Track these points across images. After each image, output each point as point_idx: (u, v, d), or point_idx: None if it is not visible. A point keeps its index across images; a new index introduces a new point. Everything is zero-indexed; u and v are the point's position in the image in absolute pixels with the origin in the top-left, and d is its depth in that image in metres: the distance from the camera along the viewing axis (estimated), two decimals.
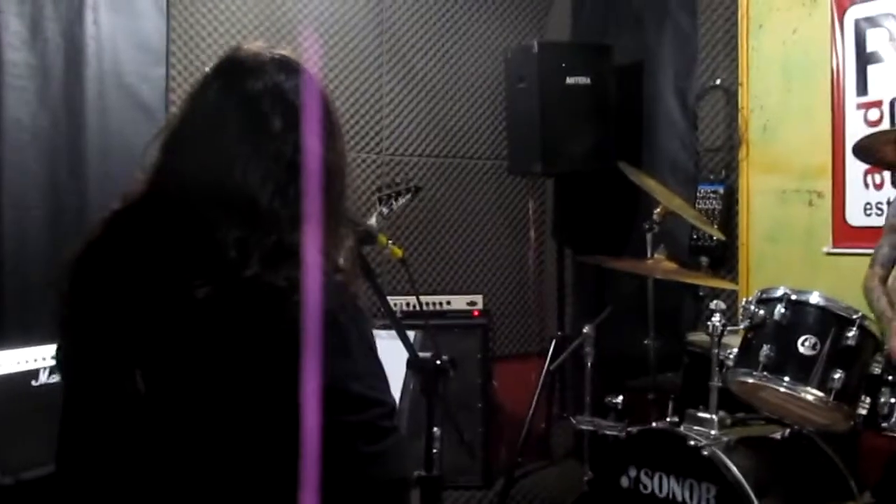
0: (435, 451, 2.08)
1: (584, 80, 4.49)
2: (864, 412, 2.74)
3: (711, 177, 4.41)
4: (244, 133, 1.35)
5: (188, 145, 1.37)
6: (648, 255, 3.59)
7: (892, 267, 3.41)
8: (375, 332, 2.63)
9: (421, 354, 2.00)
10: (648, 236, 3.64)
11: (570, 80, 4.47)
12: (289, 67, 1.41)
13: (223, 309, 1.27)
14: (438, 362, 1.97)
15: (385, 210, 3.10)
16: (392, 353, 2.11)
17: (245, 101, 1.37)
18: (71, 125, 3.80)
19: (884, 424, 2.75)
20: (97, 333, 1.33)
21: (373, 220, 3.01)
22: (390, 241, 2.05)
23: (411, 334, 2.14)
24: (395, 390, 2.33)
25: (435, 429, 2.06)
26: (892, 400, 2.73)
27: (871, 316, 2.86)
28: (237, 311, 1.27)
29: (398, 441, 1.34)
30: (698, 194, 4.41)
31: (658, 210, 3.62)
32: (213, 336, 1.28)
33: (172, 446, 1.29)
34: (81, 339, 1.36)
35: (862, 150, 2.85)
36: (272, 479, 1.28)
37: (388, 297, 4.18)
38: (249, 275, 1.26)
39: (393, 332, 2.03)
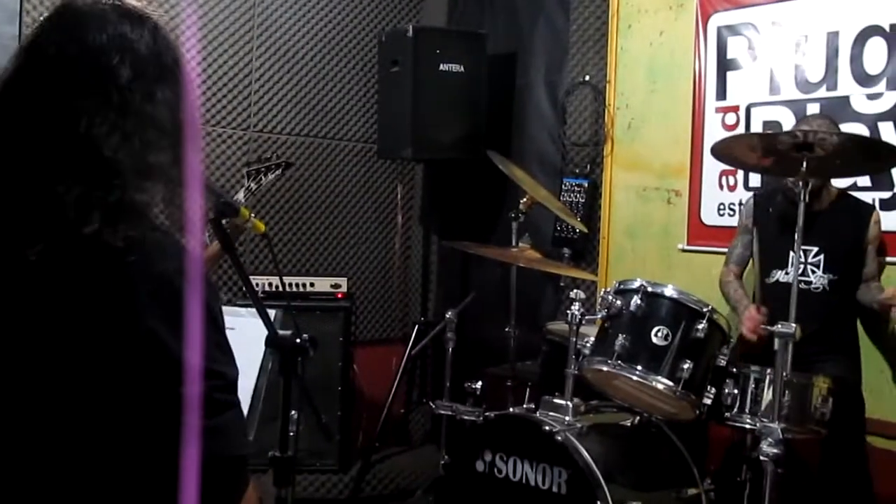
0: (291, 432, 2.05)
1: (457, 67, 4.51)
2: (709, 402, 2.85)
3: (577, 171, 4.51)
4: (89, 86, 1.28)
5: (24, 101, 1.29)
6: (513, 243, 3.64)
7: (746, 265, 3.59)
8: (235, 308, 2.58)
9: (280, 332, 1.96)
10: (514, 225, 3.69)
11: (443, 67, 4.48)
12: (132, 16, 1.34)
13: (55, 269, 1.21)
14: (298, 341, 1.93)
15: (253, 185, 3.01)
16: (251, 330, 2.07)
17: (88, 53, 1.29)
18: None
19: (727, 415, 2.88)
20: None
21: (240, 195, 2.92)
22: (253, 215, 1.99)
23: (272, 313, 2.09)
24: (253, 369, 2.28)
25: (292, 410, 2.03)
26: (735, 391, 2.86)
27: (721, 311, 2.98)
28: (69, 272, 1.21)
29: (234, 417, 1.28)
30: (563, 187, 4.50)
31: (524, 200, 3.67)
32: (45, 297, 1.22)
33: (6, 416, 1.23)
34: None
35: (721, 152, 2.97)
36: (104, 449, 1.22)
37: (251, 277, 4.10)
38: (88, 233, 1.20)
39: (253, 310, 1.98)
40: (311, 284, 4.37)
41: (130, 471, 1.23)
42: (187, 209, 1.33)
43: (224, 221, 1.90)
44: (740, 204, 3.81)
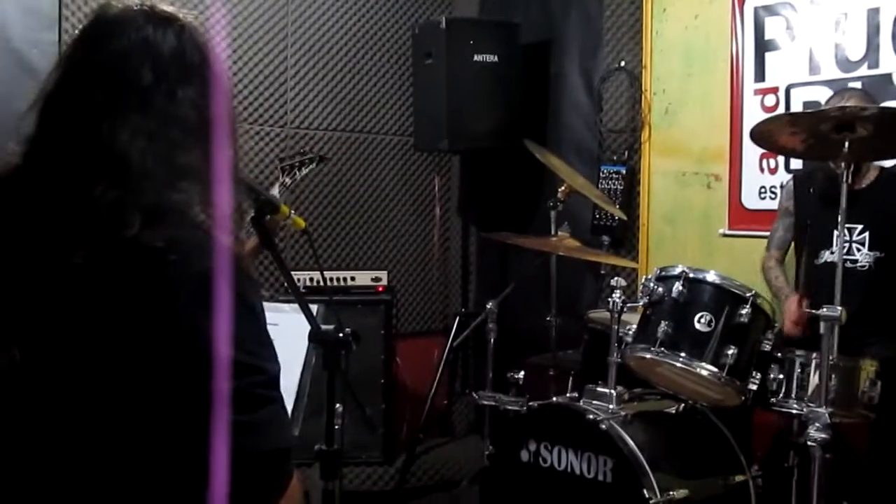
0: (336, 426, 2.06)
1: (491, 57, 4.50)
2: (754, 388, 2.83)
3: (614, 158, 4.48)
4: (111, 91, 1.31)
5: (60, 111, 1.33)
6: (552, 232, 3.62)
7: (788, 249, 3.54)
8: (277, 304, 2.60)
9: (323, 327, 1.97)
10: (552, 214, 3.68)
11: (477, 58, 4.47)
12: (158, 19, 1.36)
13: (99, 273, 1.24)
14: (341, 335, 1.94)
15: (288, 180, 3.02)
16: (294, 326, 2.09)
17: (111, 58, 1.32)
18: None
19: (772, 400, 2.85)
20: None
21: (275, 191, 2.94)
22: (293, 212, 2.00)
23: (314, 308, 2.11)
24: (297, 364, 2.30)
25: (337, 404, 2.04)
26: (781, 376, 2.83)
27: (765, 295, 2.95)
28: (112, 275, 1.23)
29: (276, 411, 1.29)
30: (601, 175, 4.48)
31: (562, 189, 3.65)
32: (90, 300, 1.24)
33: (49, 418, 1.25)
34: None
35: (759, 135, 2.93)
36: (148, 446, 1.25)
37: (292, 272, 4.14)
38: (127, 236, 1.22)
39: (295, 306, 2.00)
40: (352, 279, 4.40)
41: (172, 466, 1.25)
42: (224, 207, 1.34)
43: (265, 218, 1.92)
44: (781, 186, 3.77)
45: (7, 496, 1.28)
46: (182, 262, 1.23)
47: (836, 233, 3.14)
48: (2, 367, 1.26)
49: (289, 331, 2.12)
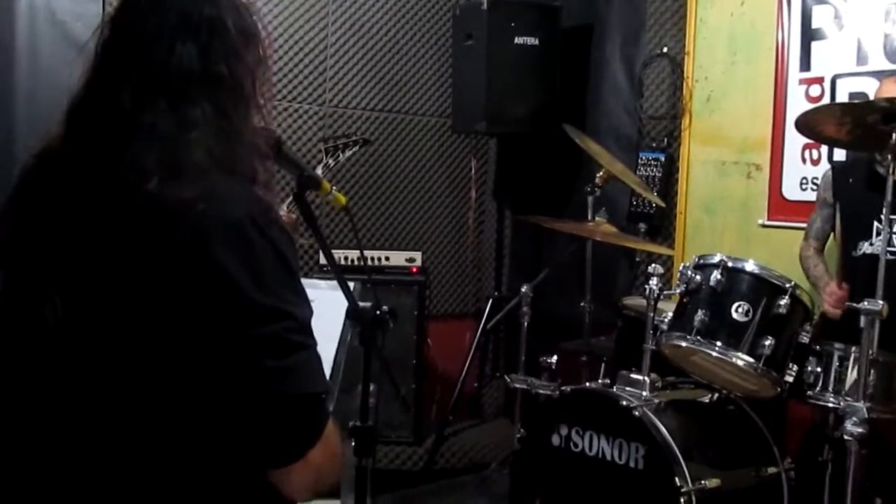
0: (371, 403, 2.07)
1: (532, 40, 4.47)
2: (790, 380, 2.80)
3: (654, 145, 4.44)
4: (121, 53, 1.36)
5: (96, 81, 1.38)
6: (589, 218, 3.61)
7: (826, 240, 3.50)
8: (314, 281, 2.61)
9: (360, 304, 1.98)
10: (589, 200, 3.66)
11: (518, 40, 4.44)
12: None
13: (129, 227, 1.27)
14: (378, 313, 1.95)
15: (332, 161, 3.04)
16: (330, 303, 2.10)
17: (129, 16, 1.39)
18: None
19: (809, 393, 2.82)
20: (19, 264, 1.37)
21: (319, 171, 2.95)
22: (334, 188, 2.01)
23: (351, 286, 2.11)
24: (332, 341, 2.31)
25: (371, 383, 2.05)
26: (818, 369, 2.80)
27: (804, 286, 2.92)
28: (142, 227, 1.26)
29: (307, 357, 1.29)
30: (639, 161, 4.44)
31: (600, 174, 3.63)
32: (121, 254, 1.27)
33: (89, 364, 1.29)
34: (5, 270, 1.39)
35: (804, 125, 2.89)
36: (183, 391, 1.27)
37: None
38: (150, 190, 1.25)
39: (332, 283, 2.01)
40: (386, 258, 4.41)
41: (207, 410, 1.27)
42: (256, 163, 1.36)
43: (306, 194, 1.92)
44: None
45: (49, 440, 1.32)
46: (212, 210, 1.25)
47: (876, 224, 3.11)
48: (45, 315, 1.31)
49: (325, 307, 2.12)
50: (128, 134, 1.30)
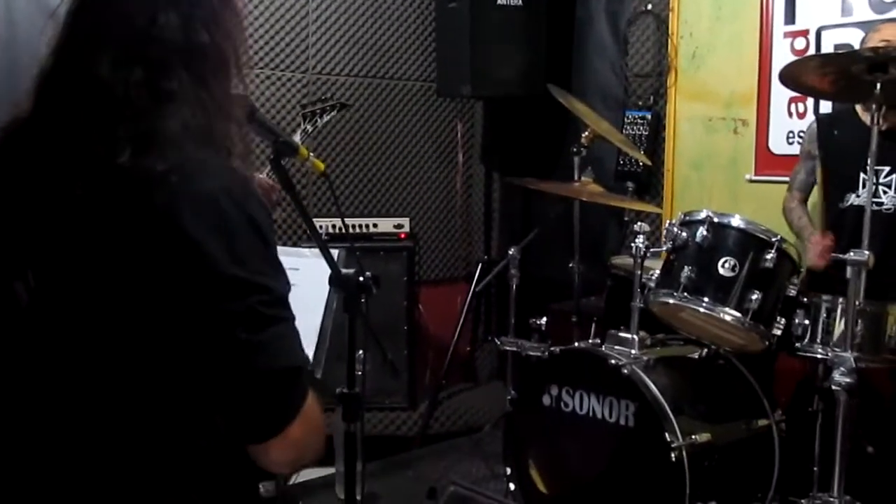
0: (358, 371, 2.07)
1: (515, 1, 4.42)
2: (778, 333, 2.81)
3: (640, 103, 4.42)
4: (96, 21, 1.33)
5: (60, 48, 1.35)
6: (575, 178, 3.59)
7: (810, 192, 3.49)
8: (299, 249, 2.60)
9: (343, 271, 1.97)
10: (576, 160, 3.64)
11: (501, 1, 4.39)
12: None
13: (99, 200, 1.25)
14: (361, 279, 1.94)
15: (309, 127, 3.01)
16: (315, 270, 2.09)
17: None
18: None
19: (797, 345, 2.82)
20: None
21: (297, 138, 2.93)
22: (312, 155, 1.99)
23: (335, 254, 2.10)
24: (318, 308, 2.31)
25: (359, 349, 2.05)
26: (806, 322, 2.80)
27: (790, 239, 2.91)
28: (113, 201, 1.24)
29: (283, 330, 1.28)
30: (626, 120, 4.42)
31: (586, 134, 3.60)
32: (93, 228, 1.25)
33: (62, 338, 1.28)
34: None
35: (788, 76, 2.87)
36: (156, 365, 1.26)
37: (315, 219, 4.14)
38: (123, 163, 1.23)
39: (316, 250, 2.00)
40: (374, 225, 4.40)
41: (181, 385, 1.27)
42: (232, 134, 1.34)
43: (283, 161, 1.91)
44: None
45: (20, 416, 1.31)
46: (183, 182, 1.23)
47: (862, 175, 3.11)
48: (17, 291, 1.30)
49: (310, 275, 2.12)
50: (102, 104, 1.28)
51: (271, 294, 1.27)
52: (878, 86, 2.55)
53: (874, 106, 2.58)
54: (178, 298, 1.23)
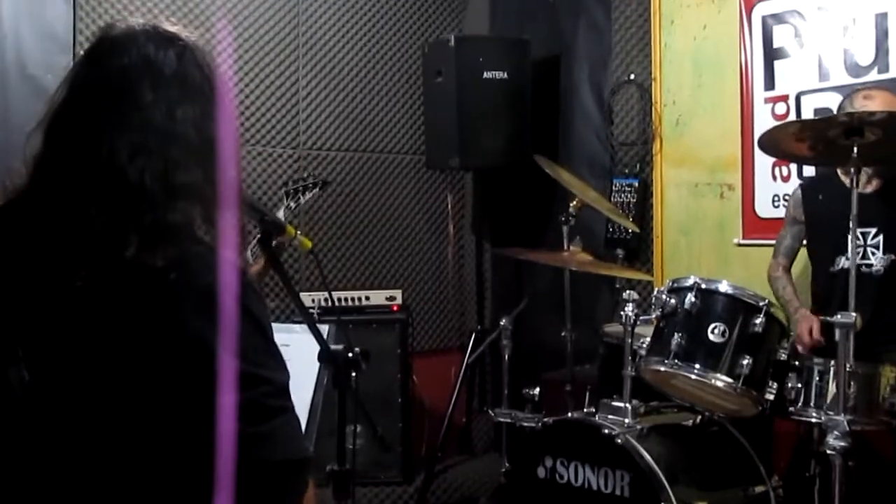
0: (349, 446, 2.06)
1: (501, 74, 4.51)
2: (771, 397, 2.80)
3: (626, 171, 4.47)
4: (109, 109, 1.32)
5: (63, 130, 1.34)
6: (565, 247, 3.61)
7: (794, 257, 3.51)
8: (289, 325, 2.60)
9: (332, 347, 1.98)
10: (565, 229, 3.66)
11: (487, 75, 4.48)
12: (160, 38, 1.37)
13: (101, 294, 1.25)
14: (350, 354, 1.95)
15: (292, 204, 3.06)
16: (305, 346, 2.10)
17: (112, 77, 1.34)
18: None
19: (791, 409, 2.82)
20: None
21: (280, 214, 2.97)
22: (299, 232, 2.01)
23: (325, 328, 2.11)
24: (309, 384, 2.31)
25: (349, 424, 2.04)
26: (799, 385, 2.80)
27: (778, 304, 2.93)
28: (114, 296, 1.24)
29: (287, 421, 1.29)
30: (613, 188, 4.47)
31: (574, 203, 3.64)
32: (93, 322, 1.25)
33: (58, 434, 1.27)
34: None
35: (768, 143, 2.91)
36: (157, 460, 1.25)
37: (306, 293, 4.14)
38: (128, 257, 1.24)
39: (306, 326, 2.01)
40: (367, 298, 4.40)
41: (182, 479, 1.26)
42: (227, 224, 1.35)
43: (274, 243, 1.93)
44: None
45: None
46: (184, 278, 1.24)
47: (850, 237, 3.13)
48: (11, 385, 1.28)
49: (300, 351, 2.13)
50: (114, 191, 1.28)
51: (273, 385, 1.28)
52: (855, 150, 2.60)
53: (852, 169, 2.62)
54: (182, 393, 1.23)
